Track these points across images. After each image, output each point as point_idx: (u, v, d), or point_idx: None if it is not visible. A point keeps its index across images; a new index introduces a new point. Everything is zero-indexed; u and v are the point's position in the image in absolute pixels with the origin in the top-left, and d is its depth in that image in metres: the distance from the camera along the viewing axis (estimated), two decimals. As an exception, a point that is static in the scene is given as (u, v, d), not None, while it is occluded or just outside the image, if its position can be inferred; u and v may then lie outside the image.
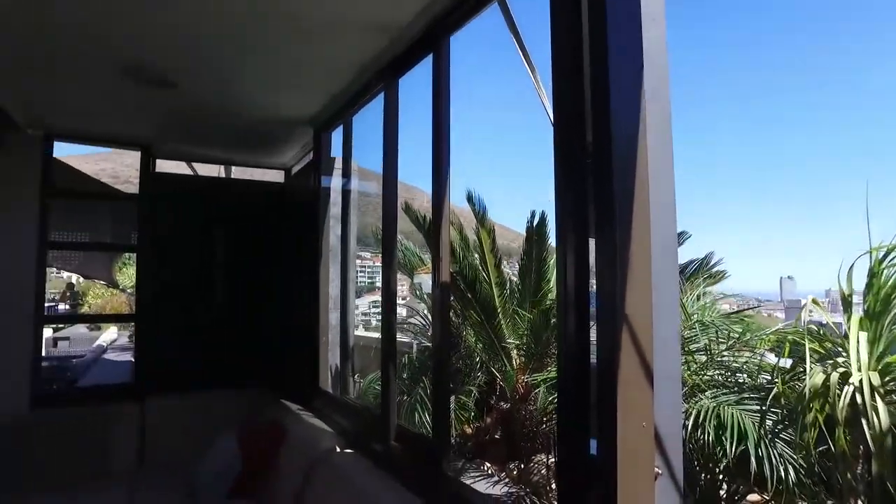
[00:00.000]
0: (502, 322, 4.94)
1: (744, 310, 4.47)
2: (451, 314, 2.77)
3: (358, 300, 4.35)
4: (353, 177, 3.76)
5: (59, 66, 2.77)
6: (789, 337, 3.34)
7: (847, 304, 2.91)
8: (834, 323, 3.12)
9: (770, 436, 3.02)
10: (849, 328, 2.76)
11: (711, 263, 5.05)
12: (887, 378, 2.64)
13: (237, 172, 5.65)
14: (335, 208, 3.79)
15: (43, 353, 4.24)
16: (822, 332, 3.11)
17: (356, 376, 4.62)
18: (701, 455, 3.28)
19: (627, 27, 1.38)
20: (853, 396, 2.52)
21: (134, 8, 2.20)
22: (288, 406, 3.71)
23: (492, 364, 4.95)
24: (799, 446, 2.84)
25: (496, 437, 5.01)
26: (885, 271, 2.82)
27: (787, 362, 3.26)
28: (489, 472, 4.46)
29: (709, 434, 3.06)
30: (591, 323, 1.40)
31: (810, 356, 2.85)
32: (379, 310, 2.99)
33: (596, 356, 1.33)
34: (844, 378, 2.62)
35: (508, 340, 4.90)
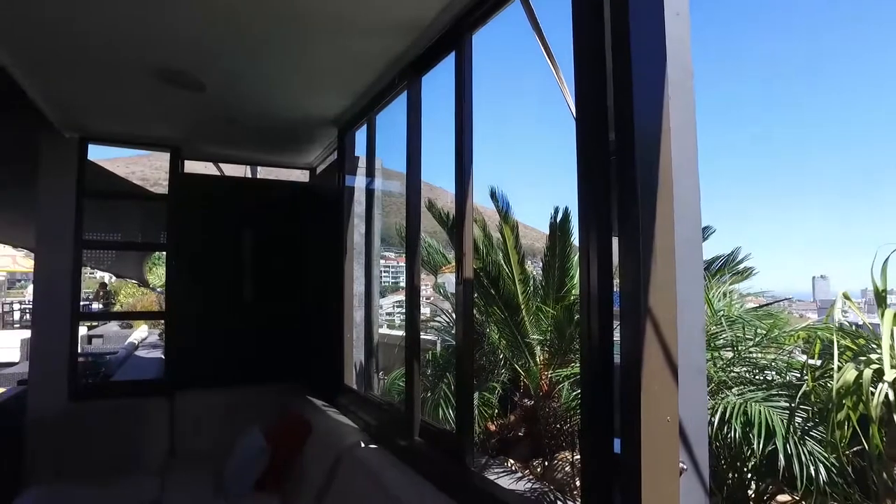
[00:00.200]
0: (525, 318, 4.93)
1: (770, 303, 4.35)
2: (474, 311, 2.78)
3: (382, 300, 4.39)
4: (377, 175, 3.80)
5: (95, 69, 2.86)
6: (819, 333, 3.27)
7: (881, 299, 2.83)
8: (871, 324, 3.04)
9: (799, 433, 2.96)
10: (882, 324, 2.69)
11: (738, 259, 4.96)
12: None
13: (263, 173, 5.75)
14: (359, 207, 3.83)
15: (79, 350, 4.38)
16: (855, 329, 3.04)
17: (380, 373, 4.67)
18: (728, 453, 3.23)
19: (650, 21, 1.37)
20: (887, 394, 2.47)
21: (164, 12, 2.27)
22: (313, 402, 3.77)
23: (515, 361, 4.95)
24: (830, 445, 2.78)
25: (519, 434, 5.01)
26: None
27: (817, 361, 3.19)
28: (513, 468, 4.47)
29: (736, 431, 3.00)
30: (615, 323, 1.40)
31: (843, 353, 2.78)
32: (402, 309, 3.01)
33: (620, 352, 1.33)
34: (879, 375, 2.56)
35: (532, 336, 4.89)
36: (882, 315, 2.74)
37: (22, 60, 2.71)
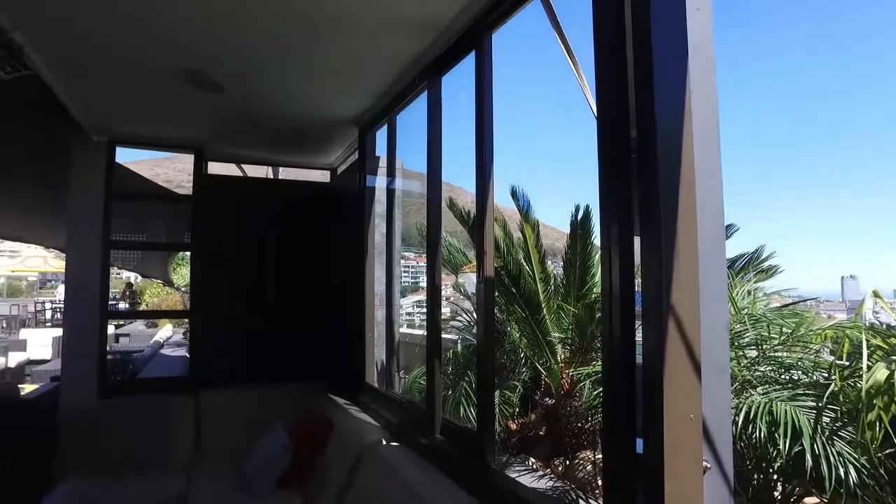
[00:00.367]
0: (546, 317, 4.91)
1: (796, 301, 4.26)
2: (495, 309, 2.78)
3: (402, 300, 4.39)
4: (398, 175, 3.82)
5: (123, 74, 2.95)
6: (848, 332, 3.19)
7: (914, 296, 2.76)
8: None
9: (827, 434, 2.90)
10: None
11: (762, 257, 4.86)
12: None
13: (284, 173, 5.82)
14: (380, 206, 3.86)
15: (107, 348, 4.49)
16: (886, 328, 2.96)
17: (401, 372, 4.69)
18: (753, 453, 3.17)
19: (671, 17, 1.37)
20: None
21: (189, 16, 2.32)
22: (335, 400, 3.81)
23: (536, 359, 4.93)
24: (860, 445, 2.72)
25: (540, 433, 4.99)
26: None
27: (845, 361, 3.12)
28: (534, 467, 4.45)
29: (761, 430, 2.95)
30: (637, 323, 1.40)
31: (874, 353, 2.72)
32: (421, 309, 3.03)
33: (642, 350, 1.32)
34: (911, 375, 2.50)
35: (553, 335, 4.87)
36: (914, 313, 2.68)
37: (55, 67, 2.80)
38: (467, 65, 2.42)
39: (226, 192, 4.51)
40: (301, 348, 4.55)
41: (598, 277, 5.07)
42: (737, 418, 3.00)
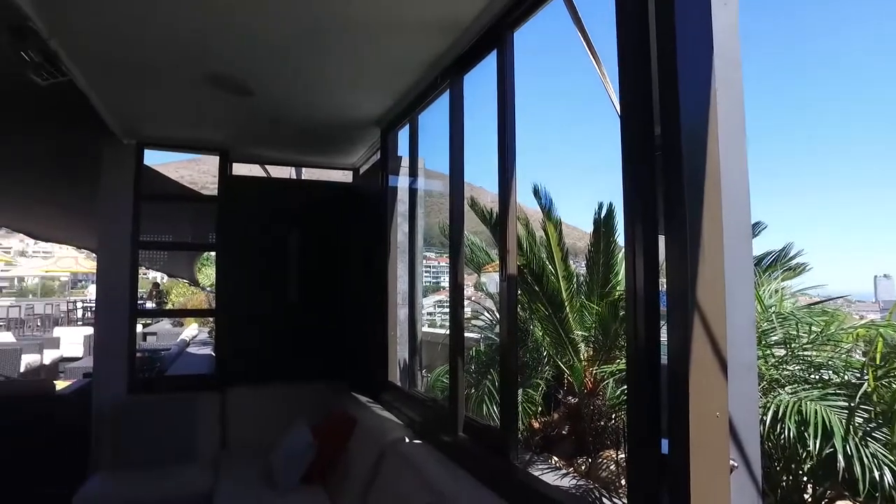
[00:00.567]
0: (570, 315, 4.89)
1: (826, 300, 4.17)
2: (517, 308, 2.78)
3: (424, 299, 4.40)
4: (420, 175, 3.84)
5: (152, 78, 3.02)
6: (882, 331, 3.12)
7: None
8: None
9: (861, 434, 2.83)
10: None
11: (790, 255, 4.77)
12: None
13: (307, 174, 5.88)
14: (402, 206, 3.88)
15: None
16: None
17: (423, 371, 4.72)
18: (781, 454, 3.11)
19: (697, 12, 1.35)
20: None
21: (217, 21, 2.37)
22: (358, 398, 3.84)
23: (559, 358, 4.91)
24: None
25: (563, 432, 4.97)
26: None
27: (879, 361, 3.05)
28: (557, 465, 4.44)
29: (789, 430, 2.89)
30: (661, 323, 1.39)
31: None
32: (442, 309, 3.05)
33: (667, 348, 1.31)
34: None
35: (576, 333, 4.85)
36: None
37: (88, 73, 2.88)
38: (489, 63, 2.42)
39: (250, 192, 4.58)
40: (324, 347, 4.60)
41: (621, 275, 5.03)
42: (764, 418, 2.95)
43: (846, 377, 3.25)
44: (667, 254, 1.34)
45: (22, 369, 7.76)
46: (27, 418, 3.88)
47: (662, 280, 1.37)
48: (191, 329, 10.90)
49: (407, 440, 2.91)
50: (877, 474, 2.68)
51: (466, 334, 4.55)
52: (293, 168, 5.97)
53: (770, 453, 3.09)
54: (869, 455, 2.73)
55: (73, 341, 10.24)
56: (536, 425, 4.99)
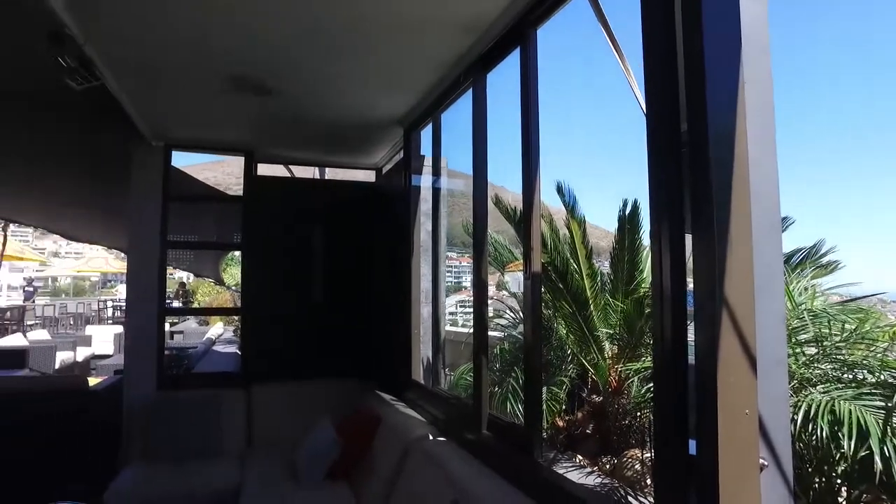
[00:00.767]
0: (594, 313, 4.85)
1: (859, 297, 4.05)
2: (542, 306, 2.78)
3: (446, 299, 4.41)
4: (443, 174, 3.84)
5: (180, 80, 3.09)
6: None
7: None
8: None
9: (898, 435, 2.73)
10: None
11: (821, 252, 4.65)
12: None
13: (330, 174, 5.94)
14: (425, 205, 3.90)
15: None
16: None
17: (447, 369, 4.73)
18: (813, 455, 3.04)
19: (724, 4, 1.33)
20: None
21: (243, 24, 2.42)
22: (382, 396, 3.87)
23: (583, 356, 4.88)
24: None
25: (587, 431, 4.94)
26: None
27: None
28: (581, 463, 4.42)
29: (822, 430, 2.82)
30: (688, 322, 1.37)
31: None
32: (464, 308, 3.05)
33: (694, 345, 1.30)
34: None
35: (600, 330, 4.82)
36: None
37: (121, 77, 2.96)
38: (512, 61, 2.42)
39: (275, 192, 4.64)
40: (348, 345, 4.64)
41: (646, 273, 4.98)
42: (795, 417, 2.88)
43: (882, 377, 3.16)
44: (694, 251, 1.33)
45: (57, 366, 7.99)
46: (62, 412, 4.00)
47: (689, 278, 1.36)
48: (216, 328, 11.07)
49: (431, 437, 2.92)
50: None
51: (489, 333, 4.56)
52: (316, 168, 6.03)
53: (801, 454, 3.01)
54: (908, 457, 2.64)
55: (103, 339, 10.49)
56: (561, 423, 4.97)
